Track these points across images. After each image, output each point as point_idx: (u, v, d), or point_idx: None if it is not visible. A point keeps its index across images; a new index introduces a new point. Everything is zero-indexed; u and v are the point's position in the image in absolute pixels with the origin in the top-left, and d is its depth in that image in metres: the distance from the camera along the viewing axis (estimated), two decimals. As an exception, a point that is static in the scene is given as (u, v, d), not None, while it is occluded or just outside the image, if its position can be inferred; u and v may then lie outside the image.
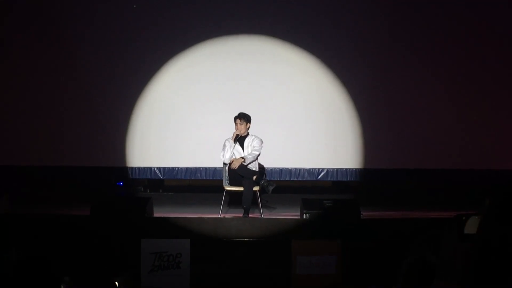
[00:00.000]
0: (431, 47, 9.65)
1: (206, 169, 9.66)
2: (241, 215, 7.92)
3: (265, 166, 9.31)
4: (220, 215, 7.94)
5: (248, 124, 8.24)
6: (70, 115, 9.61)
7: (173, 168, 9.72)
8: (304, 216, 7.63)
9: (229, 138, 8.27)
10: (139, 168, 9.69)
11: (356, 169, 9.70)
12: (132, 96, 9.68)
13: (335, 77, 9.69)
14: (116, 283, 5.93)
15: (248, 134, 8.27)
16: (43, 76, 9.61)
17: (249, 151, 8.21)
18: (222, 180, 8.40)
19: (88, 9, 9.64)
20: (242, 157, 8.11)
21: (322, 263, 7.13)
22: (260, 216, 7.95)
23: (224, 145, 8.22)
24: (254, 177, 8.10)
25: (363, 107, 9.68)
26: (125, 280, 6.09)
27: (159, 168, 9.70)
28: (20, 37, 9.61)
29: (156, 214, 7.89)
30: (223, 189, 8.19)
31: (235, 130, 8.21)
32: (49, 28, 9.60)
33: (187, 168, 9.71)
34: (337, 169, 9.70)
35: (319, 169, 9.70)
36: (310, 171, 9.71)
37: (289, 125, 9.69)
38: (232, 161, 8.09)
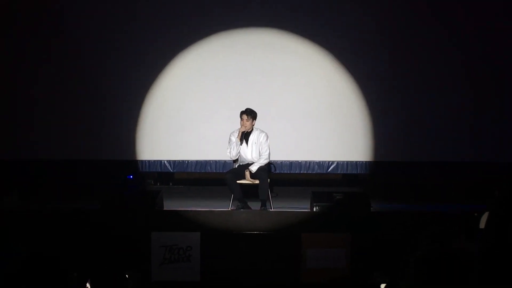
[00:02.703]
0: (443, 37, 9.58)
1: (216, 162, 9.67)
2: (250, 208, 7.92)
3: (275, 159, 9.30)
4: (230, 208, 7.94)
5: (254, 120, 8.17)
6: (80, 109, 9.63)
7: (183, 161, 9.73)
8: (314, 209, 7.63)
9: (234, 132, 8.21)
10: (149, 161, 9.70)
11: (366, 161, 9.67)
12: (142, 90, 9.68)
13: (345, 69, 9.65)
14: (127, 276, 5.95)
15: (252, 129, 8.20)
16: (52, 71, 9.62)
17: (255, 149, 8.14)
18: (232, 173, 8.39)
19: (97, 2, 9.63)
20: (248, 170, 8.06)
21: (331, 256, 7.13)
22: (270, 209, 7.95)
23: (230, 140, 8.18)
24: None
25: (373, 99, 9.65)
26: (135, 273, 6.10)
27: (169, 161, 9.72)
28: (30, 30, 9.62)
29: (166, 207, 7.92)
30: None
31: (240, 126, 8.13)
32: (58, 22, 9.61)
33: (197, 161, 9.71)
34: (347, 162, 9.67)
35: (329, 162, 9.68)
36: (320, 164, 9.69)
37: (298, 118, 9.67)
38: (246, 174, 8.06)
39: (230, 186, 7.93)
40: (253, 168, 8.03)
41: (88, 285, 5.31)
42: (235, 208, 7.88)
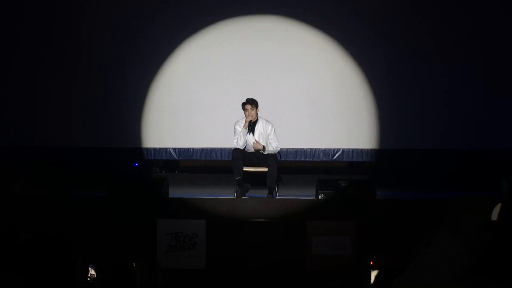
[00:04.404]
0: (449, 25, 9.53)
1: (221, 149, 9.66)
2: (256, 195, 7.92)
3: (281, 146, 9.28)
4: (235, 196, 7.94)
5: (257, 109, 8.15)
6: (86, 96, 9.62)
7: (188, 149, 9.72)
8: (320, 197, 7.63)
9: (238, 121, 8.17)
10: (154, 149, 9.70)
11: (372, 149, 9.65)
12: (147, 77, 9.66)
13: (350, 56, 9.62)
14: (134, 264, 5.96)
15: (257, 119, 8.18)
16: (57, 58, 9.61)
17: (262, 139, 8.11)
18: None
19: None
20: (264, 146, 8.06)
21: (337, 243, 7.14)
22: (275, 197, 7.95)
23: (235, 129, 8.14)
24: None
25: (378, 86, 9.61)
26: (141, 260, 6.11)
27: (174, 149, 9.71)
28: (38, 19, 9.61)
29: (171, 195, 7.91)
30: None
31: (245, 117, 8.10)
32: (65, 11, 9.60)
33: (202, 149, 9.71)
34: (353, 150, 9.66)
35: (334, 149, 9.67)
36: (325, 152, 9.68)
37: (304, 105, 9.65)
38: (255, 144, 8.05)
39: (234, 161, 7.93)
40: (266, 147, 8.05)
41: (92, 271, 5.32)
42: (234, 194, 7.87)
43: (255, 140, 8.08)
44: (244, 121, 8.07)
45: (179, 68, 9.70)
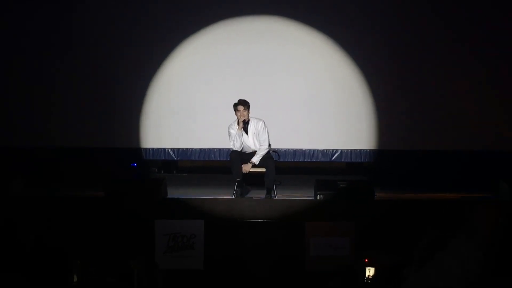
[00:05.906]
0: (447, 26, 9.55)
1: (219, 150, 9.66)
2: (254, 196, 7.91)
3: (279, 147, 9.27)
4: (233, 196, 7.94)
5: (249, 110, 8.14)
6: (84, 97, 9.63)
7: (187, 149, 9.72)
8: (318, 197, 7.62)
9: (231, 124, 8.14)
10: (153, 149, 9.71)
11: (370, 150, 9.66)
12: (146, 77, 9.67)
13: (349, 57, 9.62)
14: (131, 265, 5.95)
15: (249, 119, 8.17)
16: (56, 58, 9.62)
17: (256, 139, 8.09)
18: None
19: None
20: (251, 162, 8.00)
21: (336, 244, 7.14)
22: (274, 197, 7.94)
23: (230, 133, 8.13)
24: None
25: (377, 87, 9.63)
26: (139, 261, 6.10)
27: (173, 149, 9.71)
28: (36, 20, 9.61)
29: (170, 195, 7.90)
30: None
31: (238, 118, 8.08)
32: (63, 12, 9.60)
33: (200, 149, 9.71)
34: (351, 150, 9.66)
35: (333, 150, 9.67)
36: (324, 152, 9.68)
37: (303, 106, 9.65)
38: (242, 167, 7.98)
39: (232, 163, 7.93)
40: (256, 160, 7.99)
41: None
42: (233, 195, 7.87)
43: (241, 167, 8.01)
44: (237, 123, 8.07)
45: (178, 69, 9.71)
